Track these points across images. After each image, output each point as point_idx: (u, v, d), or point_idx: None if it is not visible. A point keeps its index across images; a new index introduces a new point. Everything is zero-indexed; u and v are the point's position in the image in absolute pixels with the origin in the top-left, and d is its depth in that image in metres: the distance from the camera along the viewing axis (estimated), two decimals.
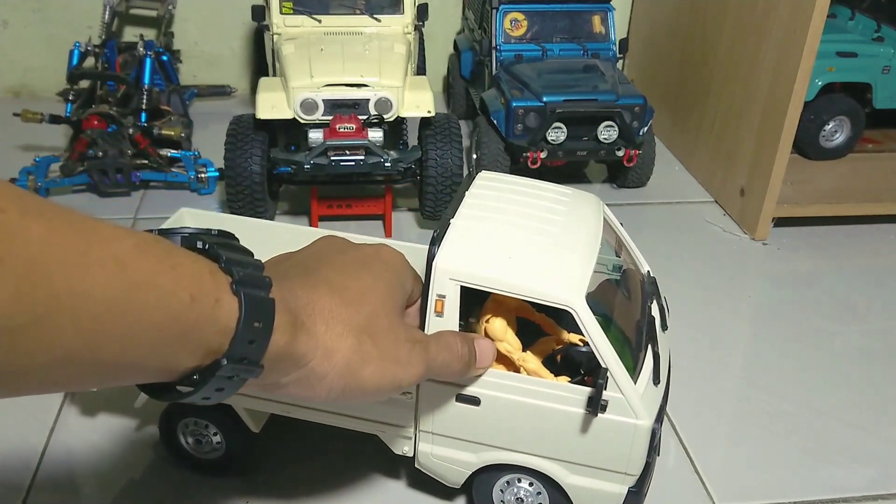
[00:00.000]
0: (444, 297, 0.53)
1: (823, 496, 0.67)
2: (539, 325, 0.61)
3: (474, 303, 0.56)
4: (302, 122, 0.95)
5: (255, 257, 0.41)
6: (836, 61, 1.15)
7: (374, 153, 0.94)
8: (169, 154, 1.11)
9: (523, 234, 0.55)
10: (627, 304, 0.61)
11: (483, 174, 0.61)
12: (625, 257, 0.64)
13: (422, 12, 1.12)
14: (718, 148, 1.14)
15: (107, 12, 1.28)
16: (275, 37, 1.07)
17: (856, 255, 1.03)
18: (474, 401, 0.55)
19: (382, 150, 0.94)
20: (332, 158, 0.93)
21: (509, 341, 0.56)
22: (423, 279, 0.53)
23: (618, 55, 1.20)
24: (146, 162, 1.09)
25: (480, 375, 0.55)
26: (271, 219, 1.01)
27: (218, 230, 0.42)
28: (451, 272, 0.52)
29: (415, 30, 1.11)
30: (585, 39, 1.19)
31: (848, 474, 0.69)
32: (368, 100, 0.94)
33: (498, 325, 0.55)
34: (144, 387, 0.40)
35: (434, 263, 0.52)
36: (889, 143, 1.24)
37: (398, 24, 1.09)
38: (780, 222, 1.05)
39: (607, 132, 1.07)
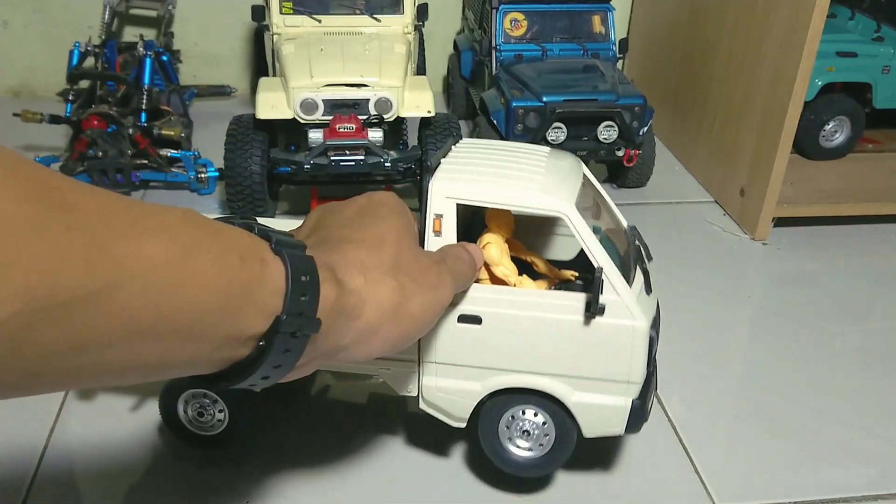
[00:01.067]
0: (441, 216, 0.55)
1: (823, 496, 0.67)
2: (531, 264, 0.63)
3: (469, 235, 0.58)
4: (302, 122, 0.95)
5: None
6: (836, 61, 1.15)
7: (374, 153, 0.94)
8: (169, 154, 1.11)
9: (509, 167, 0.57)
10: (614, 244, 0.63)
11: (466, 139, 0.64)
12: (605, 218, 0.65)
13: (422, 12, 1.12)
14: (718, 148, 1.14)
15: (107, 12, 1.28)
16: (275, 37, 1.07)
17: (856, 255, 1.03)
18: (476, 320, 0.56)
19: (382, 150, 0.94)
20: (332, 158, 0.93)
21: (505, 265, 0.58)
22: (420, 210, 0.56)
23: (618, 55, 1.20)
24: (146, 162, 1.09)
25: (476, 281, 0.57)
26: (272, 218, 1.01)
27: (240, 215, 0.43)
28: (447, 191, 0.55)
29: (415, 30, 1.11)
30: (585, 39, 1.19)
31: (848, 474, 0.69)
32: (368, 100, 0.94)
33: (494, 251, 0.58)
34: (207, 378, 0.40)
35: (430, 185, 0.55)
36: (889, 143, 1.24)
37: (398, 24, 1.09)
38: (780, 222, 1.05)
39: (607, 132, 1.07)
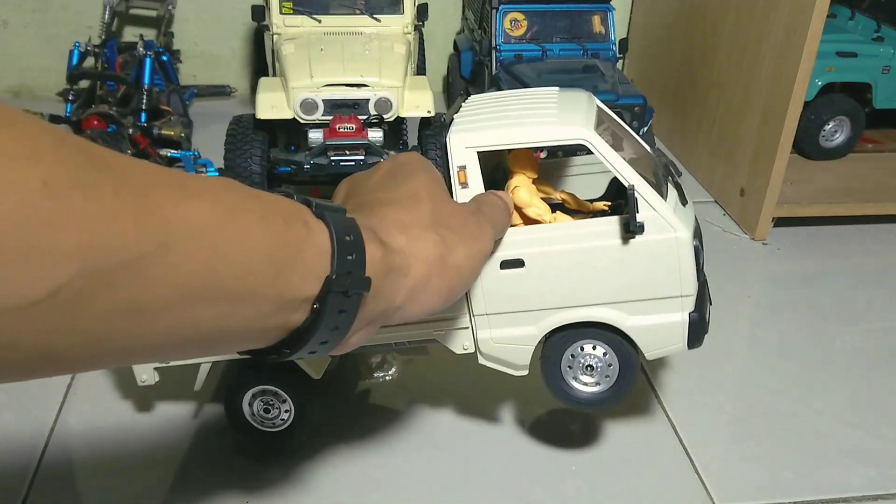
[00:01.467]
0: (464, 167, 0.55)
1: (823, 496, 0.67)
2: (562, 202, 0.63)
3: (494, 183, 0.58)
4: (302, 122, 0.95)
5: None
6: (835, 61, 1.14)
7: (374, 153, 0.94)
8: (169, 154, 1.11)
9: (523, 110, 0.57)
10: (641, 164, 0.61)
11: (476, 95, 0.64)
12: (626, 148, 0.64)
13: (422, 12, 1.12)
14: (718, 148, 1.14)
15: (107, 12, 1.28)
16: (275, 37, 1.07)
17: (856, 255, 1.03)
18: (518, 263, 0.56)
19: (382, 150, 0.94)
20: (331, 158, 0.93)
21: (537, 205, 0.57)
22: (443, 165, 0.56)
23: (618, 55, 1.20)
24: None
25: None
26: None
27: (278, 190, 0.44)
28: (466, 141, 0.55)
29: (415, 30, 1.11)
30: (585, 39, 1.19)
31: (848, 474, 0.69)
32: (368, 100, 0.95)
33: (523, 193, 0.58)
34: (260, 353, 0.40)
35: (448, 139, 0.55)
36: (889, 143, 1.24)
37: (398, 24, 1.09)
38: (780, 222, 1.05)
39: None
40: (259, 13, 1.11)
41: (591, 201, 0.64)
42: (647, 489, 0.66)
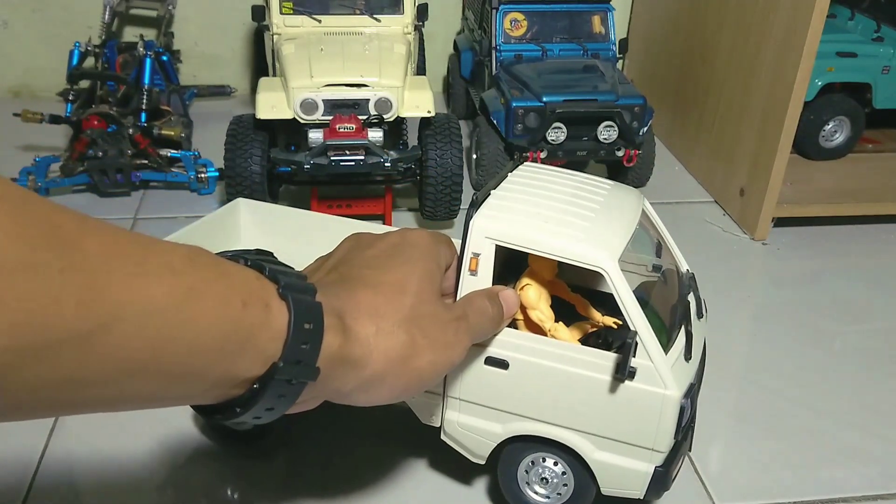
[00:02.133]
0: (478, 255, 0.54)
1: (823, 496, 0.67)
2: (573, 305, 0.61)
3: (510, 278, 0.56)
4: (302, 122, 0.95)
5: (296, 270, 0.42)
6: (835, 61, 1.15)
7: (374, 153, 0.94)
8: (169, 154, 1.11)
9: (561, 206, 0.55)
10: (664, 295, 0.60)
11: (527, 164, 0.62)
12: (665, 258, 0.64)
13: (422, 12, 1.12)
14: (718, 148, 1.14)
15: (107, 12, 1.28)
16: (275, 37, 1.07)
17: (856, 255, 1.03)
18: (503, 364, 0.55)
19: (382, 150, 0.94)
20: (332, 158, 0.93)
21: (542, 310, 0.56)
22: (460, 242, 0.54)
23: (618, 55, 1.20)
24: (146, 162, 1.09)
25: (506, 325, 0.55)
26: None
27: (256, 249, 0.42)
28: (487, 230, 0.53)
29: (415, 30, 1.11)
30: (585, 39, 1.19)
31: (848, 474, 0.69)
32: (368, 100, 0.94)
33: (532, 293, 0.56)
34: (202, 409, 0.41)
35: (471, 222, 0.54)
36: (889, 143, 1.24)
37: (398, 25, 1.09)
38: (780, 222, 1.05)
39: (607, 132, 1.07)
40: (259, 13, 1.11)
41: (605, 313, 0.62)
42: None
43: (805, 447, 0.72)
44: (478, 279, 0.54)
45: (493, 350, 0.55)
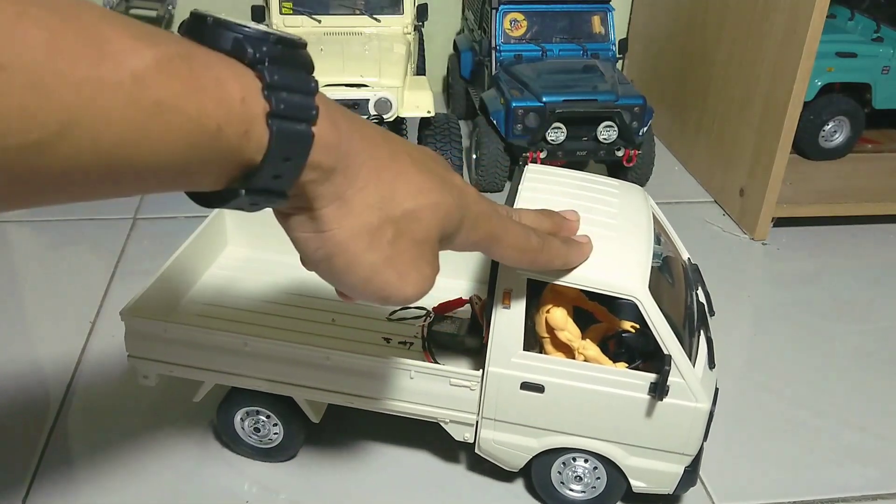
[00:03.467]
0: (510, 290, 0.55)
1: (823, 496, 0.67)
2: (592, 312, 0.63)
3: (532, 294, 0.58)
4: None
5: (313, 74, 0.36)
6: (835, 61, 1.15)
7: None
8: None
9: (582, 227, 0.56)
10: (671, 290, 0.62)
11: (531, 167, 0.64)
12: (665, 244, 0.65)
13: (421, 12, 1.12)
14: (718, 148, 1.14)
15: None
16: None
17: (856, 255, 1.03)
18: (539, 388, 0.57)
19: None
20: None
21: (570, 330, 0.58)
22: (489, 274, 0.55)
23: (617, 55, 1.20)
24: None
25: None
26: None
27: (278, 37, 0.34)
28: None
29: (414, 30, 1.11)
30: (585, 40, 1.19)
31: (848, 474, 0.69)
32: (368, 100, 0.94)
33: (559, 315, 0.58)
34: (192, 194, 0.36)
35: None
36: (889, 143, 1.24)
37: (398, 25, 1.09)
38: (780, 222, 1.05)
39: (607, 132, 1.07)
40: (259, 13, 1.11)
41: (621, 318, 0.64)
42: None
43: (805, 447, 0.72)
44: (511, 312, 0.56)
45: (529, 376, 0.57)
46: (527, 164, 0.64)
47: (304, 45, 0.36)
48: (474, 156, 1.13)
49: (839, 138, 1.18)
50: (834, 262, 1.02)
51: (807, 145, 1.17)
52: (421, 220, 0.41)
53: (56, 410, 0.72)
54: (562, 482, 0.63)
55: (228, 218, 0.76)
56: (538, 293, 0.59)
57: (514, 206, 0.57)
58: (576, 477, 0.62)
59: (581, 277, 0.54)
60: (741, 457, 0.70)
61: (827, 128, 1.16)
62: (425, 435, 0.69)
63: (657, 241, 0.61)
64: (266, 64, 0.33)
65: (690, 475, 0.60)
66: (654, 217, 0.63)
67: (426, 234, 0.42)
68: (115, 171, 0.29)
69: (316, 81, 0.35)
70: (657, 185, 1.17)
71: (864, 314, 0.92)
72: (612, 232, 0.57)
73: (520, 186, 0.61)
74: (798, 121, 0.97)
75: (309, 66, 0.36)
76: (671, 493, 0.61)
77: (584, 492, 0.63)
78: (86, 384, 0.74)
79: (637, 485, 0.61)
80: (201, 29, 0.33)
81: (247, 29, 0.33)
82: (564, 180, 0.62)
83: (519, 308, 0.56)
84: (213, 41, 0.33)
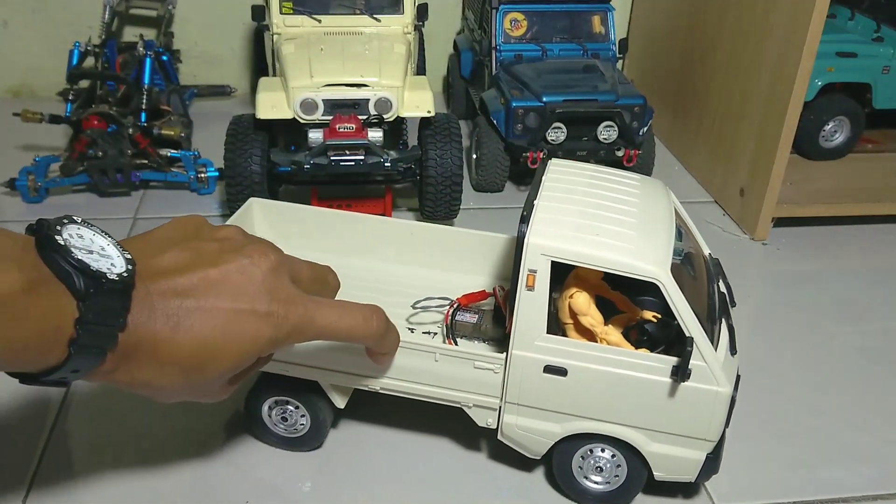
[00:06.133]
0: (535, 271, 0.56)
1: (823, 496, 0.67)
2: (613, 302, 0.64)
3: (555, 280, 0.58)
4: (302, 122, 0.95)
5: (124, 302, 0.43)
6: (835, 61, 1.15)
7: (374, 153, 0.94)
8: (169, 154, 1.11)
9: (605, 214, 0.58)
10: (693, 282, 0.62)
11: (554, 161, 0.65)
12: (686, 239, 0.66)
13: (422, 12, 1.12)
14: (718, 148, 1.14)
15: (107, 12, 1.28)
16: (275, 37, 1.07)
17: (856, 255, 1.03)
18: (562, 372, 0.58)
19: (382, 150, 0.94)
20: (332, 158, 0.93)
21: (592, 315, 0.59)
22: (513, 258, 0.56)
23: (618, 55, 1.20)
24: (146, 162, 1.09)
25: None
26: None
27: (108, 279, 0.42)
28: (543, 248, 0.55)
29: (415, 30, 1.11)
30: (585, 39, 1.19)
31: (848, 474, 0.69)
32: (368, 100, 0.94)
33: (582, 300, 0.59)
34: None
35: (526, 240, 0.56)
36: (889, 143, 1.24)
37: (398, 24, 1.09)
38: (780, 222, 1.05)
39: (607, 132, 1.07)
40: (259, 13, 1.11)
41: (642, 308, 0.65)
42: (647, 489, 0.66)
43: (805, 447, 0.72)
44: (535, 294, 0.56)
45: (552, 359, 0.58)
46: (550, 158, 0.65)
47: (131, 277, 0.43)
48: (474, 156, 1.13)
49: (839, 138, 1.18)
50: (834, 262, 1.02)
51: (807, 145, 1.17)
52: (214, 378, 0.49)
53: (56, 410, 0.72)
54: (582, 472, 0.63)
55: (256, 210, 0.77)
56: (561, 279, 0.60)
57: (537, 200, 0.58)
58: (597, 468, 0.63)
59: (605, 260, 0.55)
60: (741, 457, 0.70)
61: (827, 128, 1.16)
62: (446, 425, 0.70)
63: (678, 236, 0.61)
64: (87, 301, 0.41)
65: (712, 462, 0.60)
66: (676, 211, 0.64)
67: (224, 378, 0.50)
68: None
69: (125, 317, 0.43)
70: None
71: (864, 314, 0.92)
72: (635, 220, 0.58)
73: (543, 179, 0.62)
74: (798, 121, 0.97)
75: (127, 297, 0.43)
76: (692, 480, 0.61)
77: (604, 483, 0.63)
78: (86, 385, 0.74)
79: (659, 473, 0.61)
80: (45, 248, 0.41)
81: (86, 262, 0.41)
82: (587, 173, 0.64)
83: (543, 291, 0.56)
84: (51, 263, 0.41)
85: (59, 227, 0.42)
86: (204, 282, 0.46)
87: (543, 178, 0.62)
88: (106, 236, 0.44)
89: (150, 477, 0.65)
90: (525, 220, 0.56)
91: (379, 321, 0.54)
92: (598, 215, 0.58)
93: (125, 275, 0.43)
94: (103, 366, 0.43)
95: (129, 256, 0.44)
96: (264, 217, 0.77)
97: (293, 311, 0.49)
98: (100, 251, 0.43)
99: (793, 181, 1.08)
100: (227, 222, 0.72)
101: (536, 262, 0.55)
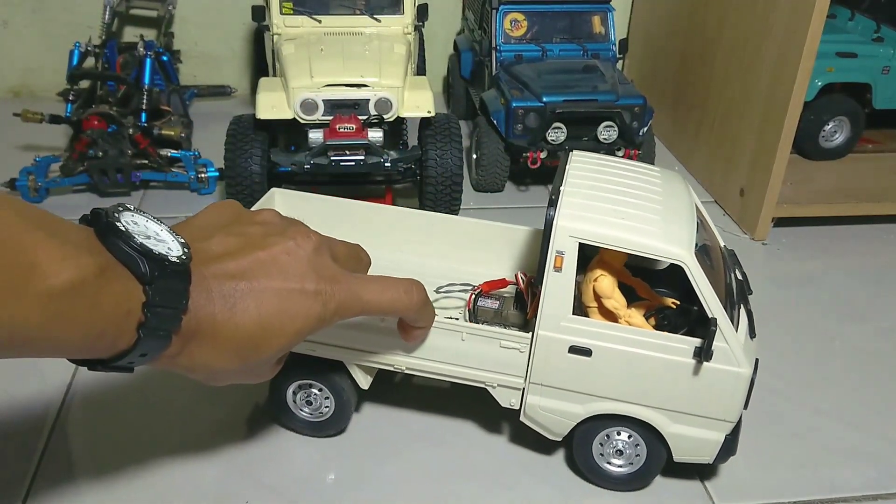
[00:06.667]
0: (563, 253, 0.57)
1: (823, 496, 0.67)
2: (634, 288, 0.66)
3: (579, 265, 0.59)
4: (302, 122, 0.95)
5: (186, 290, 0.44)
6: (835, 61, 1.15)
7: (374, 153, 0.94)
8: (169, 154, 1.11)
9: (629, 201, 0.59)
10: (712, 271, 0.63)
11: (576, 152, 0.67)
12: (703, 232, 0.67)
13: (422, 12, 1.12)
14: (718, 148, 1.14)
15: (107, 12, 1.28)
16: (275, 37, 1.07)
17: (856, 255, 1.03)
18: (586, 352, 0.59)
19: (382, 150, 0.94)
20: (332, 158, 0.93)
21: (616, 298, 0.61)
22: (541, 240, 0.58)
23: (618, 55, 1.20)
24: (146, 162, 1.09)
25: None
26: None
27: (171, 262, 0.43)
28: (571, 230, 0.57)
29: (415, 30, 1.11)
30: (585, 40, 1.19)
31: (848, 474, 0.69)
32: (368, 100, 0.94)
33: (606, 283, 0.60)
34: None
35: (555, 222, 0.57)
36: (889, 143, 1.24)
37: (398, 25, 1.09)
38: (780, 222, 1.05)
39: (607, 132, 1.07)
40: (259, 13, 1.11)
41: (662, 294, 0.66)
42: (647, 489, 0.66)
43: (805, 447, 0.72)
44: (563, 275, 0.57)
45: (577, 339, 0.59)
46: (571, 150, 0.67)
47: (189, 260, 0.44)
48: (474, 156, 1.13)
49: (839, 138, 1.18)
50: (834, 262, 1.02)
51: (807, 145, 1.17)
52: (268, 358, 0.49)
53: (56, 410, 0.72)
54: (602, 455, 0.64)
55: (279, 200, 0.77)
56: (585, 263, 0.61)
57: (563, 186, 0.60)
58: (616, 451, 0.64)
59: (632, 242, 0.56)
60: (741, 457, 0.70)
61: (827, 128, 1.16)
62: (465, 409, 0.71)
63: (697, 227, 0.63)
64: (153, 285, 0.42)
65: (731, 444, 0.61)
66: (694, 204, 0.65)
67: (277, 357, 0.51)
68: (17, 348, 0.38)
69: (187, 299, 0.44)
70: None
71: (864, 314, 0.92)
72: (659, 206, 0.59)
73: (567, 168, 0.63)
74: (798, 121, 0.97)
75: (188, 280, 0.44)
76: (711, 461, 0.62)
77: (624, 466, 0.64)
78: (86, 384, 0.74)
79: (678, 454, 0.62)
80: (107, 235, 0.41)
81: (148, 247, 0.42)
82: (609, 164, 0.65)
83: (570, 272, 0.57)
84: (114, 249, 0.41)
85: (116, 214, 0.42)
86: (255, 264, 0.47)
87: (568, 166, 0.63)
88: (158, 222, 0.45)
89: (150, 476, 0.65)
90: (553, 203, 0.58)
91: (419, 292, 0.55)
92: (623, 201, 0.59)
93: (184, 258, 0.43)
94: (168, 349, 0.44)
95: (182, 241, 0.45)
96: (286, 207, 0.78)
97: (339, 288, 0.50)
98: (155, 236, 0.43)
99: (793, 181, 1.08)
100: (253, 208, 0.72)
101: (565, 244, 0.57)
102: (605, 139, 1.07)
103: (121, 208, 0.43)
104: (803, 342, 0.86)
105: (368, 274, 0.58)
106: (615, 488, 0.65)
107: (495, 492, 0.65)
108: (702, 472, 0.68)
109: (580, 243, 0.57)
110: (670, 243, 0.56)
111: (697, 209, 0.65)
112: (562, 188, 0.60)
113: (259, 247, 0.49)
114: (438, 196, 0.98)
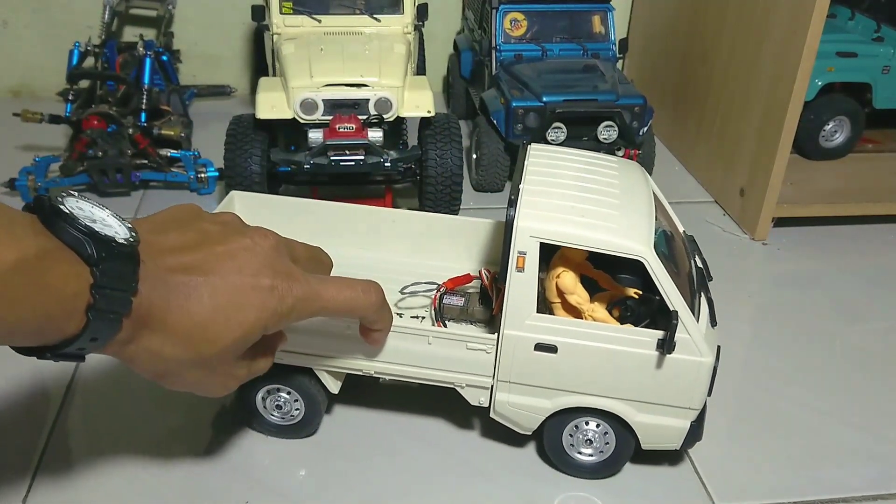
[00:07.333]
0: (524, 253, 0.57)
1: (823, 496, 0.67)
2: (596, 280, 0.66)
3: (540, 261, 0.59)
4: (302, 121, 0.95)
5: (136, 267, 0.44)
6: (836, 61, 1.15)
7: (374, 153, 0.94)
8: (169, 154, 1.11)
9: (588, 196, 0.60)
10: (672, 261, 0.64)
11: (534, 146, 0.67)
12: (662, 220, 0.68)
13: (422, 12, 1.12)
14: (718, 148, 1.14)
15: (107, 12, 1.28)
16: (275, 37, 1.07)
17: (856, 255, 1.03)
18: (552, 349, 0.60)
19: (382, 150, 0.94)
20: (331, 158, 0.93)
21: (579, 293, 0.61)
22: (502, 240, 0.58)
23: (618, 55, 1.20)
24: (146, 162, 1.09)
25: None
26: None
27: (117, 242, 0.43)
28: (532, 230, 0.57)
29: (415, 30, 1.11)
30: (585, 39, 1.19)
31: (848, 474, 0.69)
32: (368, 100, 0.94)
33: (568, 279, 0.61)
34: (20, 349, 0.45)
35: (515, 223, 0.57)
36: (889, 143, 1.24)
37: (398, 24, 1.09)
38: (780, 222, 1.05)
39: (607, 132, 1.07)
40: (259, 13, 1.11)
41: (624, 286, 0.67)
42: (647, 489, 0.66)
43: (805, 447, 0.72)
44: (525, 275, 0.58)
45: (542, 337, 0.60)
46: (529, 143, 0.67)
47: (137, 243, 0.44)
48: (474, 156, 1.13)
49: (839, 138, 1.18)
50: (834, 262, 1.02)
51: (807, 145, 1.17)
52: (221, 352, 0.49)
53: (56, 410, 0.72)
54: (572, 445, 0.65)
55: (238, 203, 0.78)
56: (547, 260, 0.62)
57: (522, 184, 0.60)
58: (586, 441, 0.64)
59: (592, 240, 0.57)
60: (741, 457, 0.70)
61: (827, 128, 1.16)
62: (437, 406, 0.71)
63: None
64: (99, 266, 0.42)
65: (696, 430, 0.62)
66: (652, 192, 0.66)
67: (232, 353, 0.51)
68: None
69: (137, 281, 0.44)
70: (657, 184, 1.16)
71: (864, 314, 0.92)
72: (617, 200, 0.60)
73: (525, 164, 0.63)
74: (798, 121, 0.97)
75: (136, 262, 0.44)
76: (678, 448, 0.63)
77: (593, 455, 0.65)
78: (86, 384, 0.74)
79: (646, 442, 0.63)
80: (52, 219, 0.42)
81: (93, 228, 0.42)
82: (567, 158, 0.66)
83: (532, 271, 0.58)
84: (60, 232, 0.42)
85: (60, 199, 0.43)
86: (211, 257, 0.48)
87: (526, 162, 0.64)
88: (103, 208, 0.45)
89: (151, 475, 0.65)
90: (513, 203, 0.58)
91: (377, 292, 0.56)
92: (582, 197, 0.60)
93: (131, 240, 0.44)
94: (119, 335, 0.44)
95: (129, 226, 0.45)
96: (246, 209, 0.78)
97: (296, 286, 0.51)
98: (101, 221, 0.44)
99: (793, 181, 1.08)
100: (214, 211, 0.72)
101: (526, 244, 0.57)
102: (605, 139, 1.07)
103: (65, 194, 0.44)
104: (803, 342, 0.86)
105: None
106: (587, 476, 0.66)
107: (474, 483, 0.66)
108: (701, 471, 0.68)
109: (541, 243, 0.57)
110: (630, 239, 0.57)
111: (656, 196, 0.66)
112: (521, 186, 0.60)
113: (217, 242, 0.50)
114: (438, 196, 0.98)
